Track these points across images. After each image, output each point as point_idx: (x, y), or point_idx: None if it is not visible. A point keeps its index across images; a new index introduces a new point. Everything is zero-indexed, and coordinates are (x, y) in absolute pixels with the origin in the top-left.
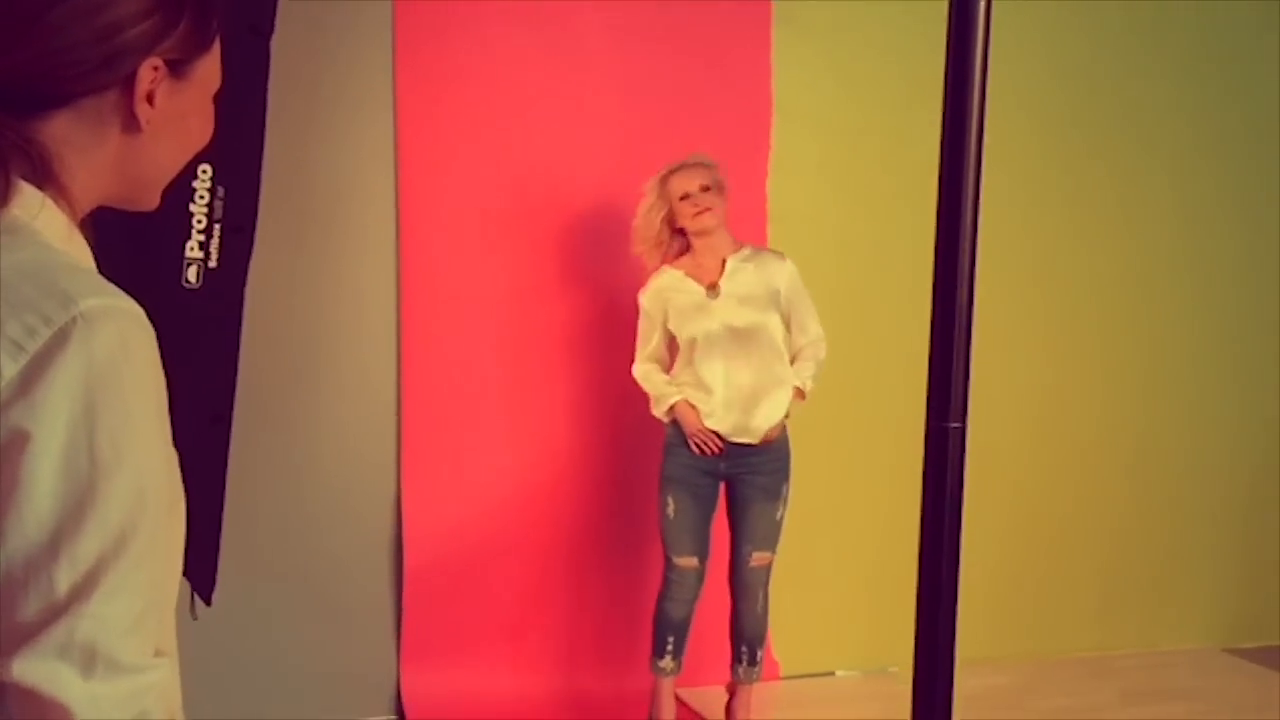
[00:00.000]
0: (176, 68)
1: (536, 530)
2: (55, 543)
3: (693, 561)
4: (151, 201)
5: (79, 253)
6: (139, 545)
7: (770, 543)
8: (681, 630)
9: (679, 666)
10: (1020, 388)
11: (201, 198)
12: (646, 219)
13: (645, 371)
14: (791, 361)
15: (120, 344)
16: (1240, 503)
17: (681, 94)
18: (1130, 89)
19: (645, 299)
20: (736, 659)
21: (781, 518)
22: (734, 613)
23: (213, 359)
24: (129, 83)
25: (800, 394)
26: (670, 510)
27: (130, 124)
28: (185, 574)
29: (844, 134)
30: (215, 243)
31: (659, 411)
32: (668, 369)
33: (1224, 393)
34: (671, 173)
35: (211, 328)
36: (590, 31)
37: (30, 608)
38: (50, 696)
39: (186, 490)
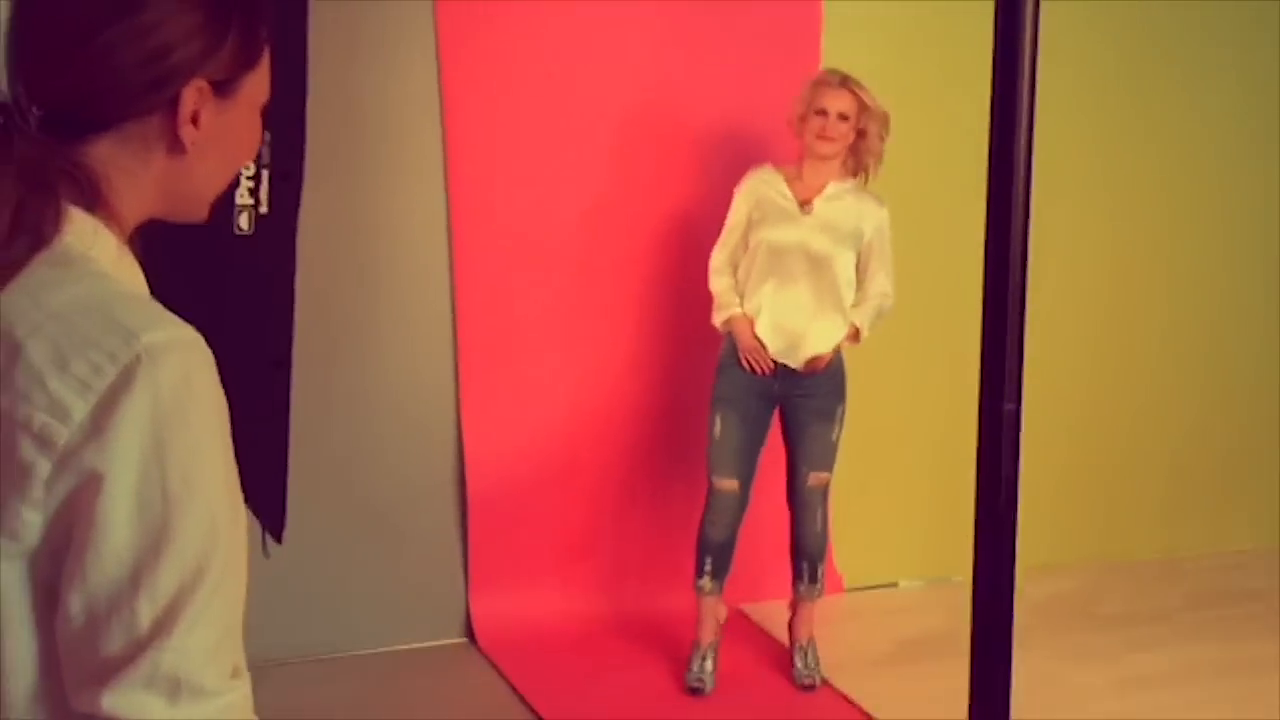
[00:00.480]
0: (222, 88)
1: (596, 454)
2: (135, 579)
3: (733, 484)
4: (200, 215)
5: (130, 273)
6: (214, 575)
7: (827, 463)
8: (722, 552)
9: (719, 587)
10: (1084, 288)
11: None
12: (794, 106)
13: (720, 268)
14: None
15: (183, 377)
16: None
17: (729, 25)
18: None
19: (740, 192)
20: (798, 576)
21: (837, 438)
22: (793, 531)
23: (270, 303)
24: (173, 105)
25: (856, 335)
26: (717, 430)
27: (175, 145)
28: (256, 513)
29: (897, 46)
30: (265, 189)
31: (717, 319)
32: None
33: None
34: (822, 83)
35: (267, 272)
36: None
37: (115, 642)
38: None
39: (253, 435)
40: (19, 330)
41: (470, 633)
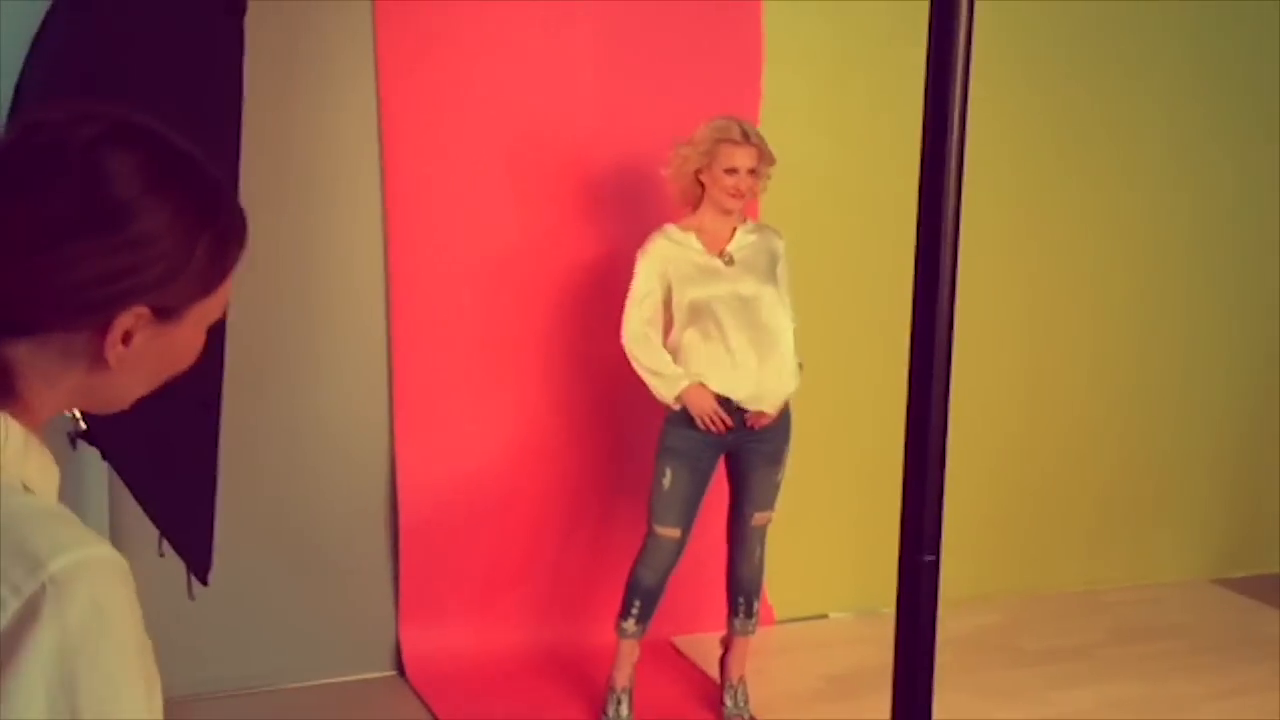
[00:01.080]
0: (165, 314)
1: (529, 487)
2: None
3: (675, 533)
4: (118, 409)
5: (37, 463)
6: None
7: (771, 503)
8: (651, 597)
9: (643, 631)
10: (1009, 323)
11: None
12: (682, 164)
13: (643, 339)
14: None
15: (93, 608)
16: (1229, 435)
17: (671, 42)
18: (1121, 23)
19: (646, 257)
20: (734, 611)
21: (781, 479)
22: (730, 566)
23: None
24: (105, 326)
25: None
26: (666, 481)
27: (99, 361)
28: (181, 555)
29: (835, 78)
30: None
31: (668, 393)
32: (663, 334)
33: (1215, 325)
34: (728, 140)
35: None
36: None
37: None
38: None
39: (178, 476)
40: None
41: (400, 666)
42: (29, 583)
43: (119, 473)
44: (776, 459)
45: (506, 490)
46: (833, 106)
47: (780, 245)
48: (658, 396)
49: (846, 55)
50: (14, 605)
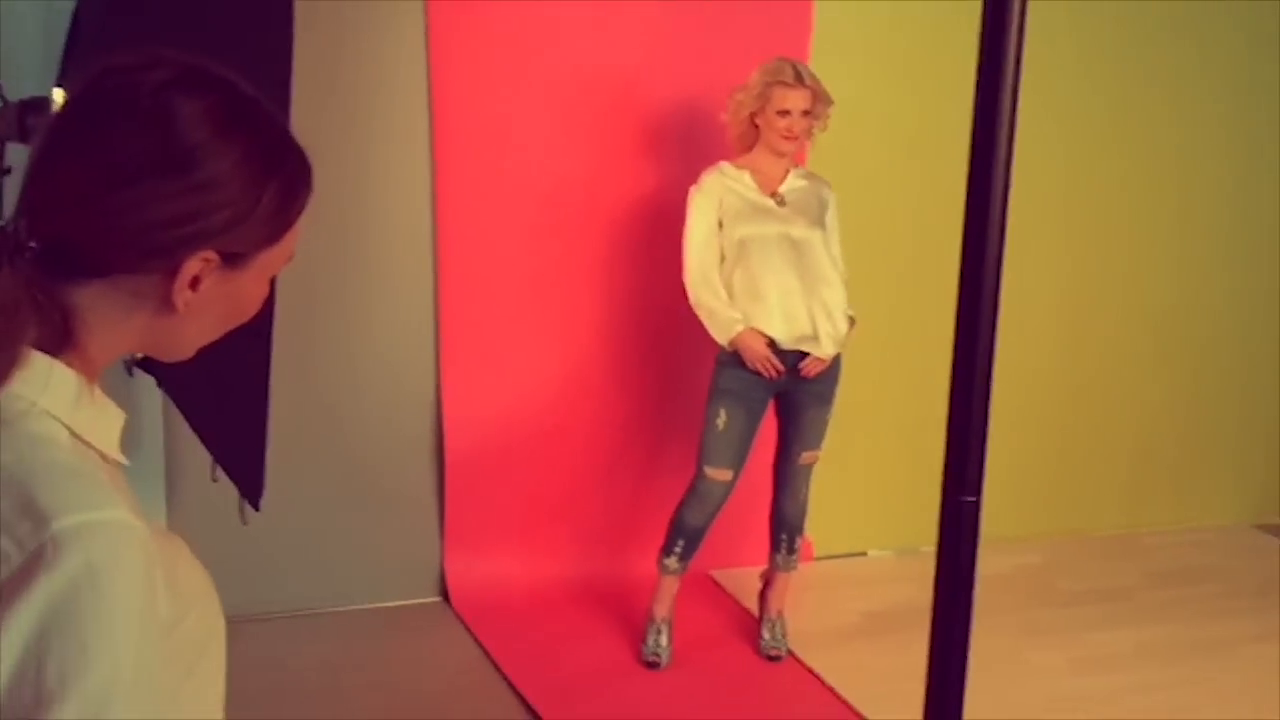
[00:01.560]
0: (233, 259)
1: (574, 421)
2: None
3: (728, 474)
4: (181, 358)
5: (88, 413)
6: None
7: (820, 441)
8: (696, 536)
9: (685, 568)
10: (1049, 265)
11: None
12: (738, 109)
13: (704, 281)
14: None
15: (87, 572)
16: (1270, 379)
17: (719, 8)
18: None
19: (701, 193)
20: (775, 547)
21: (830, 416)
22: (776, 502)
23: None
24: (174, 269)
25: (852, 322)
26: (720, 422)
27: (166, 305)
28: (235, 481)
29: (889, 17)
30: None
31: (722, 337)
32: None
33: (1254, 266)
34: (780, 82)
35: None
36: None
37: None
38: None
39: (231, 404)
40: None
41: (444, 592)
42: (32, 539)
43: (174, 400)
44: (827, 398)
45: (551, 423)
46: (885, 45)
47: (830, 195)
48: (714, 336)
49: (901, 28)
50: (16, 560)
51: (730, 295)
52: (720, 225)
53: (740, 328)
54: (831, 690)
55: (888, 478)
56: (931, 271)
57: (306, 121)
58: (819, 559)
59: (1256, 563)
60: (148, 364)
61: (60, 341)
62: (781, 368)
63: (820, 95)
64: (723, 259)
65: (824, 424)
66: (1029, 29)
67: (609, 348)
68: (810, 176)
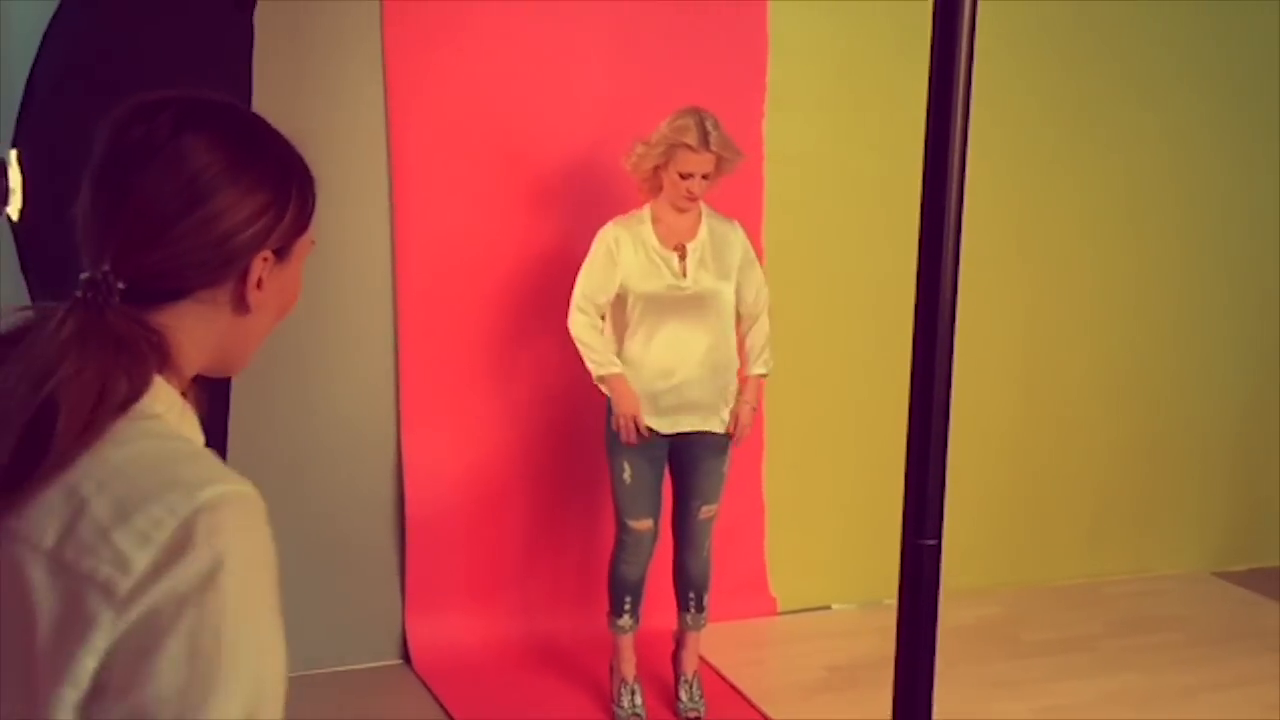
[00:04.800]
0: (280, 253)
1: (534, 480)
2: None
3: (648, 523)
4: (241, 367)
5: (190, 425)
6: None
7: (717, 495)
8: (638, 589)
9: (638, 622)
10: (1007, 315)
11: None
12: (641, 159)
13: (586, 326)
14: (740, 336)
15: (238, 531)
16: (1229, 427)
17: (678, 35)
18: (1119, 33)
19: (600, 239)
20: (683, 607)
21: (727, 470)
22: (678, 562)
23: None
24: (243, 275)
25: (762, 378)
26: (626, 475)
27: (241, 307)
28: None
29: (841, 73)
30: None
31: (594, 372)
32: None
33: (1213, 318)
34: (684, 145)
35: None
36: None
37: None
38: None
39: None
40: (85, 487)
41: (406, 655)
42: (184, 506)
43: None
44: (722, 450)
45: (512, 482)
46: (836, 101)
47: (739, 236)
48: (593, 375)
49: (851, 51)
50: (170, 524)
51: (625, 350)
52: (617, 278)
53: (615, 370)
54: None
55: (850, 531)
56: (889, 320)
57: None
58: (783, 613)
59: (1217, 610)
60: None
61: (161, 363)
62: (644, 435)
63: (725, 158)
64: (616, 311)
65: (720, 477)
66: (976, 73)
67: (566, 404)
68: (717, 221)
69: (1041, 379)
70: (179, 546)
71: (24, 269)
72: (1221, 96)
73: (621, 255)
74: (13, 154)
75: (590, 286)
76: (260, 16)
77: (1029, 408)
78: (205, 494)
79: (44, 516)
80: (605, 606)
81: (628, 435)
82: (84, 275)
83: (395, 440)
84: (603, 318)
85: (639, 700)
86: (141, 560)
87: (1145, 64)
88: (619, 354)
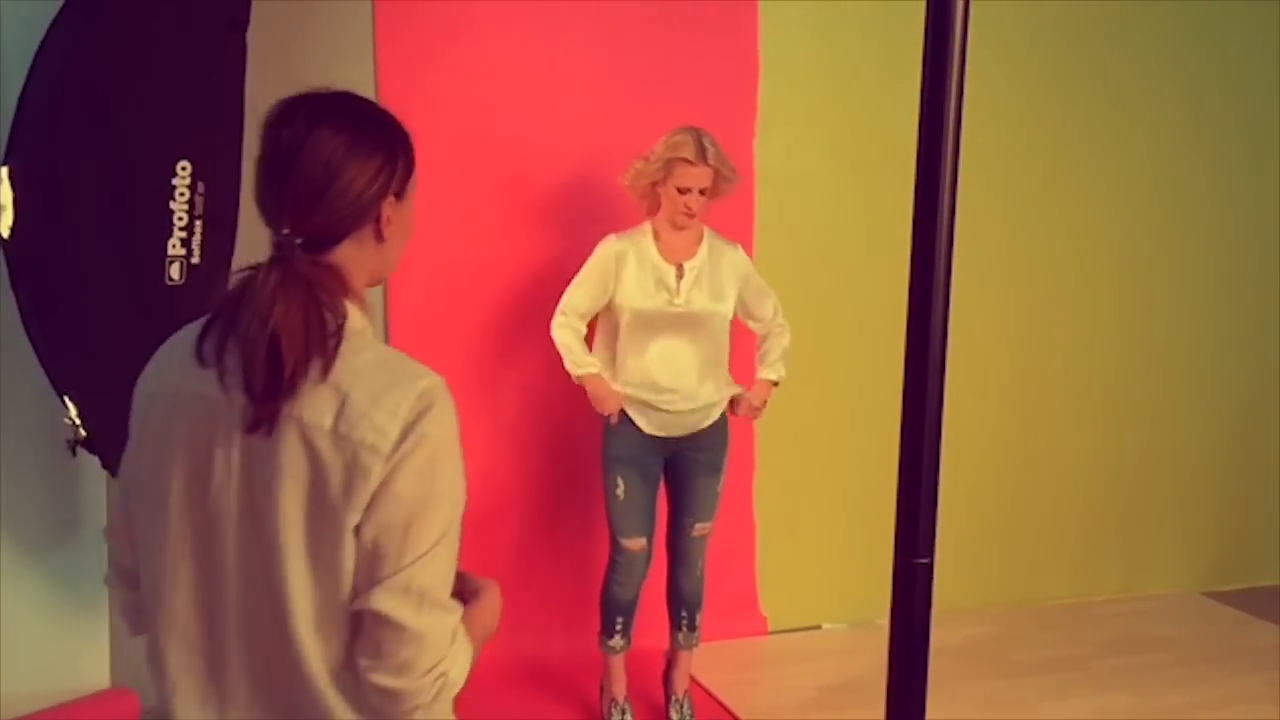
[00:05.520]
0: (400, 196)
1: (522, 498)
2: (406, 527)
3: (641, 543)
4: (385, 278)
5: (376, 329)
6: (450, 535)
7: (711, 513)
8: (630, 610)
9: (629, 643)
10: (996, 338)
11: (182, 194)
12: (638, 175)
13: (567, 330)
14: (759, 346)
15: (445, 406)
16: (1216, 447)
17: (669, 57)
18: (1106, 52)
19: (601, 250)
20: (675, 625)
21: (721, 489)
22: (671, 581)
23: None
24: (378, 217)
25: (773, 385)
26: (620, 491)
27: (379, 240)
28: None
29: (831, 93)
30: (197, 239)
31: (572, 372)
32: (588, 330)
33: (1205, 337)
34: (681, 159)
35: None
36: None
37: (388, 564)
38: (397, 619)
39: None
40: (344, 384)
41: None
42: (413, 390)
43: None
44: (716, 468)
45: (504, 501)
46: (827, 121)
47: (739, 258)
48: (570, 372)
49: (841, 71)
50: (408, 403)
51: (610, 359)
52: (614, 290)
53: (592, 369)
54: None
55: (841, 550)
56: (880, 341)
57: (257, 212)
58: (773, 633)
59: (1206, 629)
60: (91, 443)
61: (345, 290)
62: (617, 416)
63: (721, 173)
64: (604, 323)
65: (714, 495)
66: (967, 99)
67: (557, 422)
68: (719, 242)
69: (1030, 399)
70: (414, 417)
71: (14, 285)
72: (1213, 124)
73: (624, 270)
74: (3, 171)
75: (579, 298)
76: (252, 25)
77: (1018, 428)
78: (423, 383)
79: (320, 406)
80: (597, 626)
81: (614, 416)
82: (273, 239)
83: None
84: (588, 325)
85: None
86: (393, 428)
87: (1135, 86)
88: (613, 367)
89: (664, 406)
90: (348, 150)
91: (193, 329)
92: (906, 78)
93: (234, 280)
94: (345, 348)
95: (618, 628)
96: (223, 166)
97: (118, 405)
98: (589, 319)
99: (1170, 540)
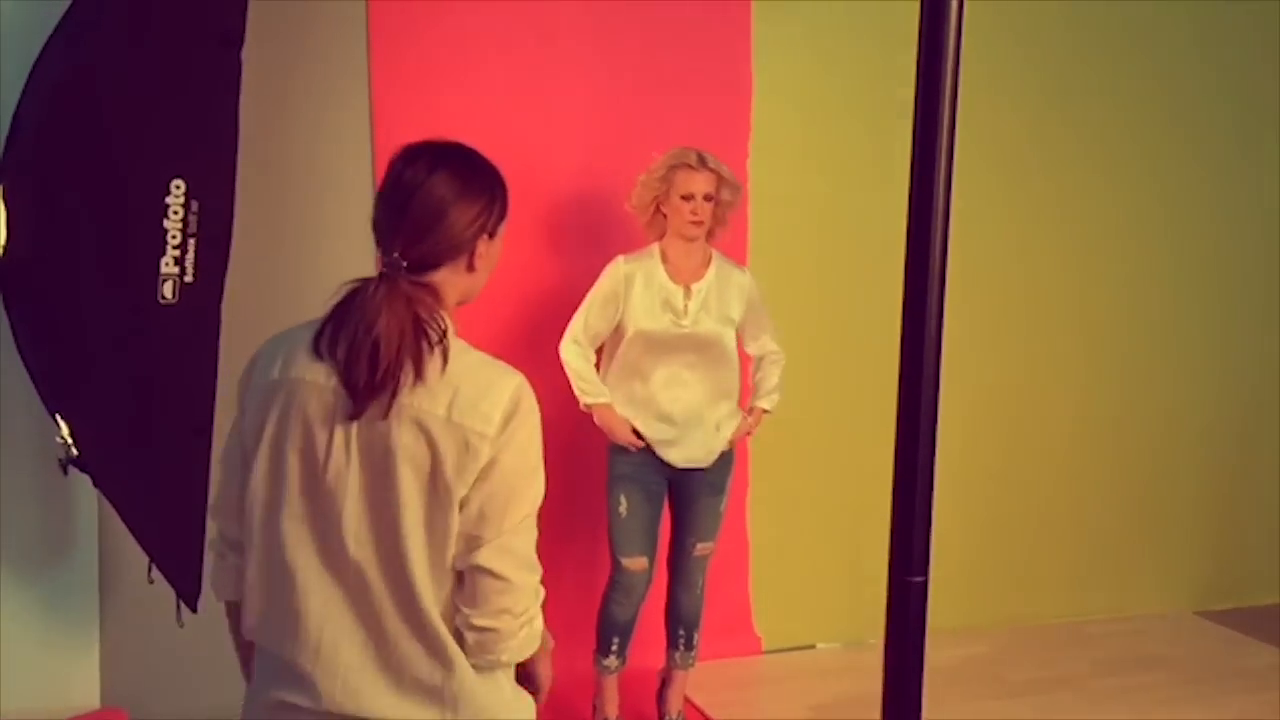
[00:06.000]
0: (492, 235)
1: None
2: (507, 498)
3: (642, 562)
4: (474, 298)
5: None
6: (536, 509)
7: (713, 533)
8: (627, 630)
9: (624, 663)
10: (996, 359)
11: (175, 213)
12: (642, 191)
13: (578, 355)
14: (754, 374)
15: (533, 402)
16: (1213, 469)
17: (662, 76)
18: (1103, 61)
19: (611, 271)
20: (673, 644)
21: (725, 509)
22: (671, 599)
23: (192, 372)
24: (472, 252)
25: (765, 413)
26: (623, 509)
27: (471, 269)
28: (170, 582)
29: (824, 113)
30: (191, 258)
31: (582, 401)
32: (596, 355)
33: (1198, 362)
34: (683, 165)
35: (190, 342)
36: (568, 14)
37: (490, 528)
38: (499, 572)
39: (170, 502)
40: (456, 379)
41: None
42: (508, 386)
43: (109, 499)
44: (719, 488)
45: None
46: (821, 139)
47: (745, 281)
48: (581, 402)
49: (834, 89)
50: (505, 397)
51: (617, 382)
52: (622, 312)
53: (603, 399)
54: None
55: (835, 570)
56: (874, 361)
57: (251, 207)
58: (767, 652)
59: (1200, 649)
60: (83, 462)
61: (440, 305)
62: (639, 444)
63: (724, 180)
64: (613, 344)
65: (717, 515)
66: (960, 121)
67: (565, 445)
68: (721, 263)
69: (1025, 419)
70: (512, 408)
71: (6, 303)
72: (1212, 137)
73: (632, 291)
74: None
75: (591, 320)
76: (246, 47)
77: (1014, 448)
78: (515, 380)
79: (436, 397)
80: (593, 645)
81: (632, 445)
82: (383, 259)
83: None
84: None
85: None
86: (497, 416)
87: (1133, 100)
88: (617, 393)
89: (669, 434)
90: (458, 195)
91: (302, 328)
92: (901, 94)
93: (343, 289)
94: (452, 350)
95: (613, 648)
96: (217, 184)
97: (110, 424)
98: (600, 342)
99: (1164, 560)
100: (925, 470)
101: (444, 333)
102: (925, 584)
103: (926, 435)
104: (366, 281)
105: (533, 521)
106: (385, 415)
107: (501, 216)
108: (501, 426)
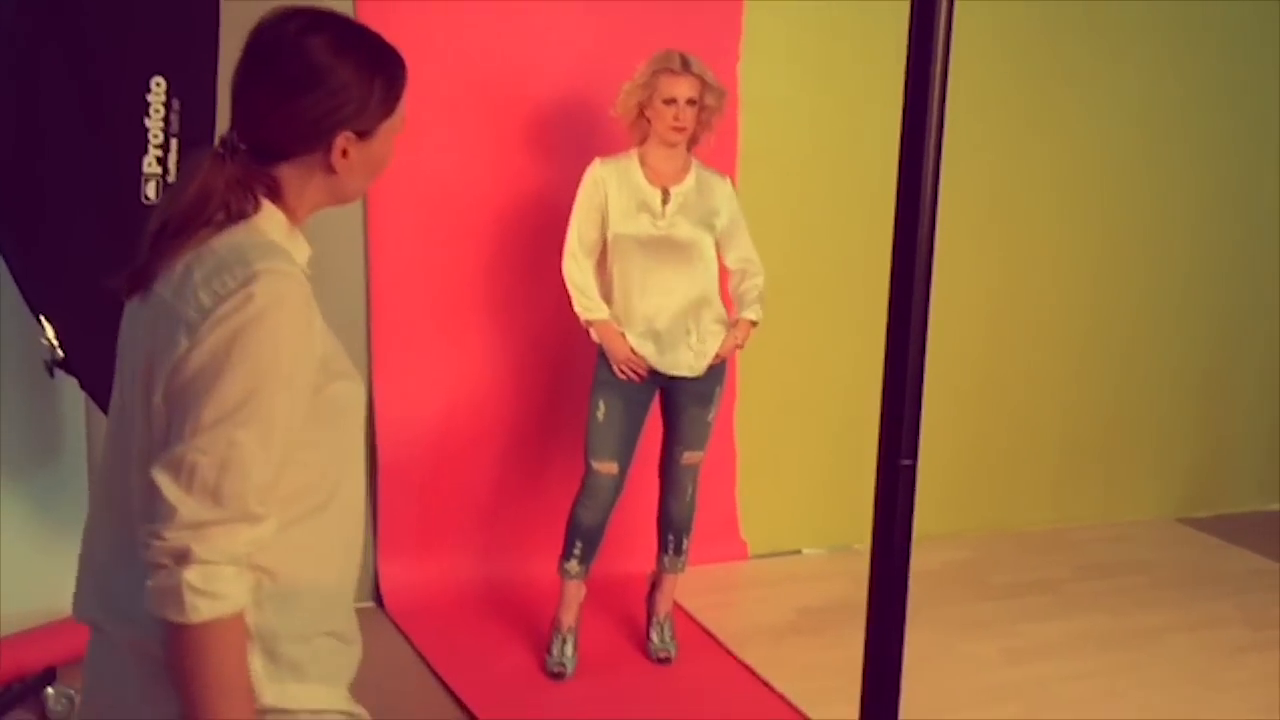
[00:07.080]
0: (364, 134)
1: (502, 426)
2: (198, 396)
3: (612, 467)
4: (353, 201)
5: (296, 245)
6: (244, 431)
7: (702, 443)
8: (591, 537)
9: (586, 571)
10: (975, 265)
11: (157, 112)
12: (626, 97)
13: (578, 270)
14: (736, 288)
15: (275, 295)
16: (1193, 377)
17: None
18: (1097, 19)
19: (588, 179)
20: (663, 548)
21: (714, 419)
22: (662, 505)
23: None
24: (329, 147)
25: (752, 325)
26: (600, 414)
27: (329, 170)
28: None
29: (816, 16)
30: (173, 157)
31: (581, 316)
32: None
33: (1176, 268)
34: (666, 70)
35: None
36: None
37: (171, 434)
38: (162, 494)
39: None
40: (195, 261)
41: (379, 598)
42: (243, 273)
43: (96, 400)
44: (708, 399)
45: (484, 428)
46: (813, 42)
47: (726, 189)
48: (580, 318)
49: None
50: (233, 285)
51: (605, 292)
52: (604, 218)
53: (600, 315)
54: (769, 686)
55: (821, 476)
56: (862, 270)
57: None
58: (753, 558)
59: (1180, 554)
60: (69, 364)
61: (274, 197)
62: (643, 372)
63: (709, 85)
64: (604, 253)
65: (705, 425)
66: (956, 32)
67: (535, 350)
68: (700, 170)
69: (1007, 329)
70: (230, 295)
71: None
72: (1196, 68)
73: (607, 193)
74: None
75: (583, 230)
76: None
77: (997, 356)
78: (259, 266)
79: (174, 280)
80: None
81: (628, 374)
82: (223, 136)
83: (366, 385)
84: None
85: (569, 650)
86: (209, 302)
87: (1121, 27)
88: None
89: (660, 366)
90: (320, 73)
91: None
92: (897, 15)
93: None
94: (224, 234)
95: (576, 551)
96: (198, 82)
97: (95, 325)
98: (597, 251)
99: (1147, 468)
100: (916, 356)
101: (227, 216)
102: (914, 468)
103: (918, 320)
104: (202, 154)
105: (248, 439)
106: (145, 299)
107: (382, 114)
108: (212, 309)
